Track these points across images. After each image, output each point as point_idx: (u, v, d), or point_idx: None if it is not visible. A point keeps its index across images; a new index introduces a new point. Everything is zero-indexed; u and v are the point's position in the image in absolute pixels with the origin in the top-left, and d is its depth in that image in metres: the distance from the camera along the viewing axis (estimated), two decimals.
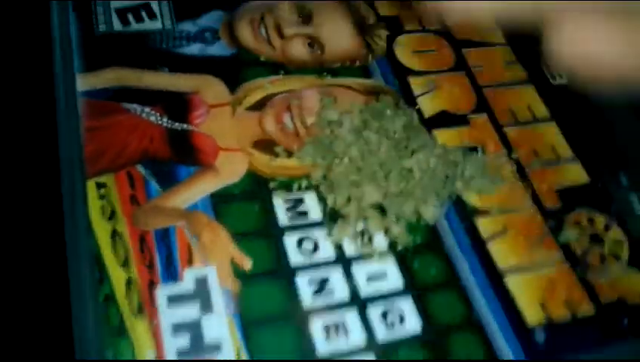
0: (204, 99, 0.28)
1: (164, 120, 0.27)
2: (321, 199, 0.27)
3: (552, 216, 0.28)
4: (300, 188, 0.27)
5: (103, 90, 0.28)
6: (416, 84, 0.32)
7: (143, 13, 0.31)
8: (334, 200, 0.26)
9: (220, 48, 0.31)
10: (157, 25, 0.31)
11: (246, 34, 0.31)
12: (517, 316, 0.25)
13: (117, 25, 0.31)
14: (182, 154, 0.26)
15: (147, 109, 0.27)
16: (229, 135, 0.28)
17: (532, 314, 0.25)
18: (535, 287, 0.26)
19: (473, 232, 0.27)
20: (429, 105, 0.31)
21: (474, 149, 0.30)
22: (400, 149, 0.28)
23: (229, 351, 0.22)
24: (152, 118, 0.27)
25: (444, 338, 0.24)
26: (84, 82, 0.28)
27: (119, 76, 0.28)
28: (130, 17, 0.31)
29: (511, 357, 0.24)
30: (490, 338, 0.24)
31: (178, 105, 0.28)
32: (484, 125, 0.31)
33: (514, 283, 0.26)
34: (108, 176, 0.25)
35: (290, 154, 0.28)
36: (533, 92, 0.33)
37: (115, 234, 0.24)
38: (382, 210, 0.27)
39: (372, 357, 0.23)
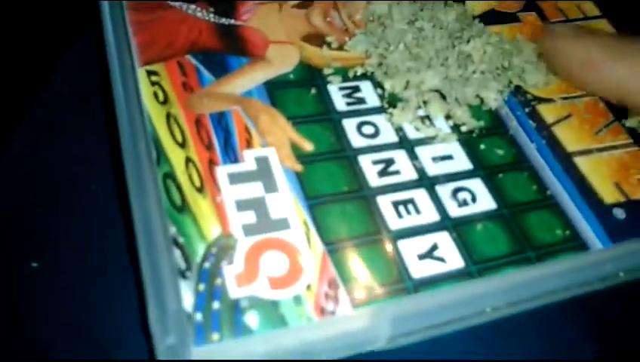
0: None
1: (211, 15, 0.26)
2: (377, 86, 0.26)
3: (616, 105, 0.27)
4: (355, 76, 0.26)
5: None
6: None
7: None
8: (392, 85, 0.25)
9: None
10: None
11: None
12: (592, 194, 0.24)
13: None
14: (232, 46, 0.25)
15: (193, 6, 0.27)
16: (278, 29, 0.27)
17: (608, 194, 0.24)
18: (607, 168, 0.25)
19: (537, 117, 0.26)
20: (477, 4, 0.30)
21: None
22: (455, 37, 0.27)
23: (296, 225, 0.21)
24: (199, 14, 0.26)
25: (521, 215, 0.23)
26: None
27: None
28: None
29: (591, 232, 0.23)
30: (568, 215, 0.23)
31: (224, 3, 0.27)
32: (535, 22, 0.30)
33: (585, 165, 0.25)
34: (158, 65, 0.24)
35: (341, 46, 0.27)
36: None
37: (169, 117, 0.23)
38: (442, 95, 0.25)
39: (446, 234, 0.22)
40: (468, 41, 0.27)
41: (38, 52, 0.28)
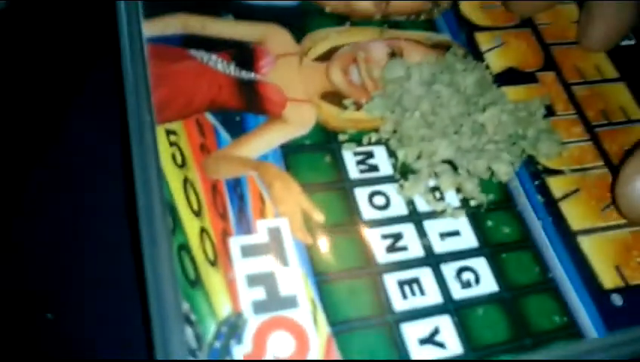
0: (270, 48, 0.27)
1: (231, 68, 0.26)
2: (392, 154, 0.26)
3: None
4: (370, 142, 0.26)
5: (168, 36, 0.27)
6: (482, 40, 0.31)
7: None
8: (405, 154, 0.26)
9: None
10: None
11: None
12: (592, 278, 0.25)
13: None
14: (250, 103, 0.26)
15: (214, 57, 0.27)
16: (297, 85, 0.27)
17: (607, 277, 0.25)
18: (610, 249, 0.26)
19: (545, 191, 0.27)
20: (496, 62, 0.30)
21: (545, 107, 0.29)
22: (471, 104, 0.27)
23: (304, 304, 0.22)
24: (220, 66, 0.26)
25: (521, 299, 0.24)
26: (149, 28, 0.27)
27: (184, 23, 0.27)
28: None
29: (587, 319, 0.24)
30: (567, 301, 0.24)
31: (244, 54, 0.27)
32: (553, 83, 0.30)
33: (588, 245, 0.25)
34: (177, 123, 0.24)
35: (358, 107, 0.27)
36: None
37: (186, 182, 0.23)
38: (454, 166, 0.26)
39: (448, 318, 0.23)
40: (484, 110, 0.27)
41: (49, 99, 0.28)
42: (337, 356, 0.21)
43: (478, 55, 0.30)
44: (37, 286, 0.23)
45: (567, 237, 0.25)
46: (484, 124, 0.26)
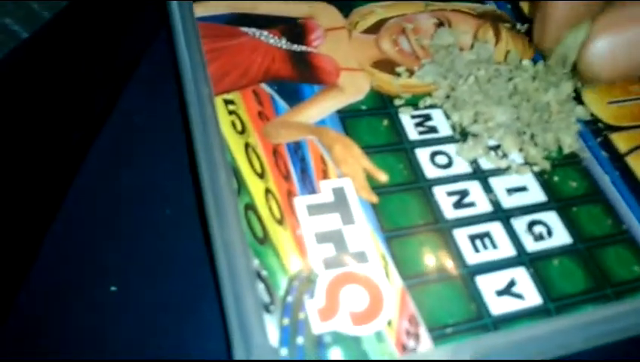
0: (319, 23, 0.28)
1: (283, 42, 0.27)
2: (448, 117, 0.26)
3: None
4: (425, 106, 0.26)
5: (218, 16, 0.27)
6: (526, 6, 0.31)
7: None
8: (461, 116, 0.25)
9: None
10: None
11: None
12: None
13: None
14: (304, 74, 0.26)
15: (265, 32, 0.27)
16: (348, 56, 0.27)
17: None
18: None
19: (609, 147, 0.26)
20: None
21: None
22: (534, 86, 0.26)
23: (374, 259, 0.21)
24: (271, 41, 0.27)
25: (597, 250, 0.23)
26: (198, 9, 0.27)
27: (233, 4, 0.27)
28: None
29: None
30: None
31: (294, 29, 0.27)
32: None
33: None
34: (234, 94, 0.25)
35: (411, 73, 0.27)
36: None
37: (248, 147, 0.23)
38: (513, 131, 0.25)
39: (523, 269, 0.22)
40: (547, 90, 0.26)
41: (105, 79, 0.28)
42: (413, 308, 0.20)
43: (525, 22, 0.30)
44: (100, 259, 0.23)
45: (637, 190, 0.25)
46: (548, 102, 0.26)
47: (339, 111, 0.25)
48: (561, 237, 0.23)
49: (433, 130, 0.25)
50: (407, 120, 0.25)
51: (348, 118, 0.25)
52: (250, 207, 0.22)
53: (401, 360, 0.19)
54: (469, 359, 0.19)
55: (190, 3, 0.27)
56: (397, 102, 0.26)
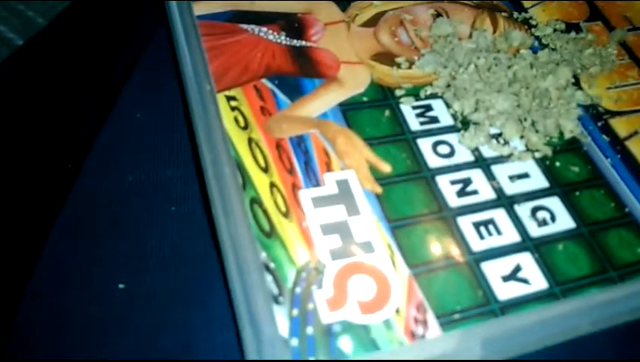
0: (318, 17, 0.28)
1: (282, 37, 0.27)
2: (449, 106, 0.26)
3: None
4: (426, 96, 0.26)
5: (217, 14, 0.27)
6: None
7: None
8: (461, 105, 0.25)
9: None
10: None
11: None
12: None
13: None
14: (305, 68, 0.26)
15: (264, 29, 0.27)
16: (348, 49, 0.27)
17: None
18: None
19: (609, 131, 0.26)
20: (541, 16, 0.30)
21: None
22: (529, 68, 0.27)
23: (380, 249, 0.21)
24: (271, 37, 0.27)
25: (600, 233, 0.23)
26: (198, 8, 0.27)
27: (231, 2, 0.28)
28: None
29: None
30: None
31: (293, 24, 0.27)
32: (601, 33, 0.30)
33: None
34: (236, 90, 0.25)
35: (411, 64, 0.27)
36: None
37: (251, 142, 0.23)
38: (514, 118, 0.25)
39: (528, 255, 0.22)
40: (545, 75, 0.26)
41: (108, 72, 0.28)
42: (420, 296, 0.20)
43: (522, 11, 0.30)
44: (108, 256, 0.23)
45: (638, 173, 0.25)
46: (547, 88, 0.26)
47: (340, 104, 0.25)
48: (565, 221, 0.23)
49: (434, 120, 0.25)
50: (409, 111, 0.25)
51: (349, 111, 0.25)
52: (256, 201, 0.22)
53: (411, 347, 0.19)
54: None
55: (189, 2, 0.27)
56: (398, 92, 0.26)
